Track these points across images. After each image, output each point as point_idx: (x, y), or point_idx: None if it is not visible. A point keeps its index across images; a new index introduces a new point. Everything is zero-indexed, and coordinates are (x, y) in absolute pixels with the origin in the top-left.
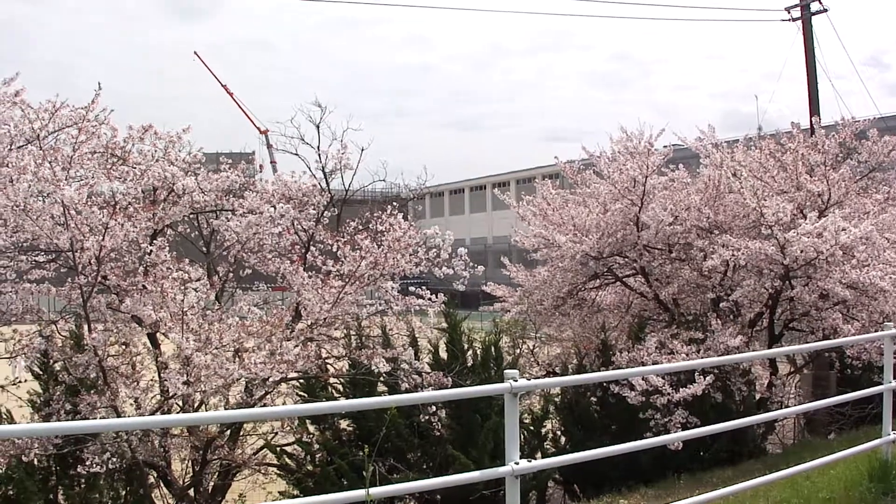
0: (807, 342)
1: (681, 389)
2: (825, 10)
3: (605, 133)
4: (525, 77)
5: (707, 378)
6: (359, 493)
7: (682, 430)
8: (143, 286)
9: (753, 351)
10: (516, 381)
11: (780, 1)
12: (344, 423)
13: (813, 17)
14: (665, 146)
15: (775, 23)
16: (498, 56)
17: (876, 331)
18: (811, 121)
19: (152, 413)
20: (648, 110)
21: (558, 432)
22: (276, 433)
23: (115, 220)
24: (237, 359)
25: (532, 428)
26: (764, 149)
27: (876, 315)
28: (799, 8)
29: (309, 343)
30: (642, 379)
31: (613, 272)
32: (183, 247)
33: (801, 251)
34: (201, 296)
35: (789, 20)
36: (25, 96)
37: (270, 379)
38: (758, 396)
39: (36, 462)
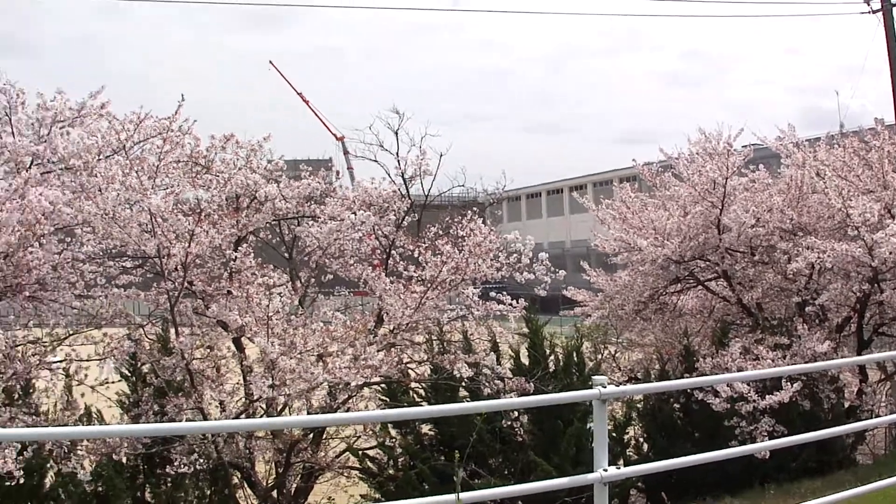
0: None
1: (767, 397)
2: None
3: (683, 134)
4: (598, 79)
5: (794, 385)
6: (449, 499)
7: (769, 438)
8: (229, 291)
9: (841, 356)
10: (605, 387)
11: None
12: (426, 428)
13: (894, 9)
14: (744, 146)
15: (855, 16)
16: (570, 58)
17: None
18: None
19: (237, 415)
20: (724, 108)
21: (640, 439)
22: (359, 437)
23: (201, 227)
24: (321, 363)
25: (615, 434)
26: (847, 147)
27: None
28: None
29: (391, 348)
30: (727, 385)
31: (695, 276)
32: (265, 252)
33: (890, 252)
34: (286, 301)
35: (869, 12)
36: (110, 108)
37: (353, 383)
38: (847, 404)
39: (125, 461)
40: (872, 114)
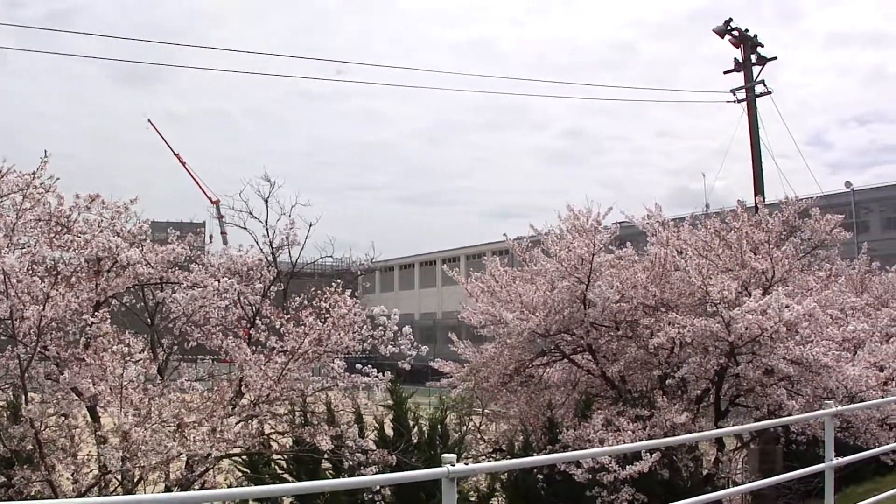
0: (753, 417)
1: (627, 467)
2: (769, 93)
3: (555, 211)
4: (480, 154)
5: (653, 455)
6: None
7: None
8: (82, 358)
9: (699, 426)
10: (454, 465)
11: (726, 82)
12: (287, 501)
13: (757, 99)
14: (614, 223)
15: (721, 104)
16: (452, 133)
17: (819, 406)
18: (755, 200)
19: (89, 488)
20: (600, 186)
21: None
22: None
23: (57, 289)
24: (179, 434)
25: None
26: (709, 227)
27: (820, 390)
28: (744, 90)
29: (251, 419)
30: None
31: (560, 349)
32: (127, 318)
33: (746, 328)
34: (141, 369)
35: (735, 101)
36: None
37: (211, 455)
38: (705, 472)
39: None
40: (737, 194)
